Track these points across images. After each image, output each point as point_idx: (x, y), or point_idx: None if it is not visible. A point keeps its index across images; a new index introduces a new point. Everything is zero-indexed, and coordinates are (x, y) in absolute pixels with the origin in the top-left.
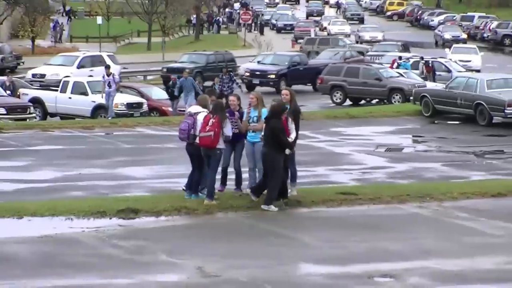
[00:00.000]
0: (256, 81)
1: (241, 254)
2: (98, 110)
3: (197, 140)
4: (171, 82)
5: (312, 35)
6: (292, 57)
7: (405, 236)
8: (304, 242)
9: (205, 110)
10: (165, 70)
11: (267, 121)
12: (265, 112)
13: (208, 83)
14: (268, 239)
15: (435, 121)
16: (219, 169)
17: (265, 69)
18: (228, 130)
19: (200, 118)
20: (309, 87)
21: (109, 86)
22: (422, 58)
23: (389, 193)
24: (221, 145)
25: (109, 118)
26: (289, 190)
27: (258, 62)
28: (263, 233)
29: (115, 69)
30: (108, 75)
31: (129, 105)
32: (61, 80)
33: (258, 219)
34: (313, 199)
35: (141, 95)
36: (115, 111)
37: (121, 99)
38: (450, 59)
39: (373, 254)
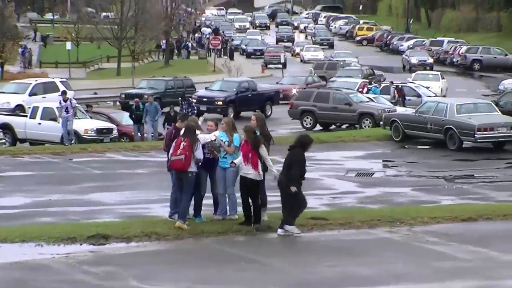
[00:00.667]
0: (203, 107)
1: (212, 280)
2: (69, 136)
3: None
4: (133, 106)
5: (282, 60)
6: (241, 83)
7: (376, 261)
8: (275, 267)
9: (199, 132)
10: (123, 96)
11: (290, 150)
12: (237, 138)
13: (165, 110)
14: (239, 264)
15: (405, 146)
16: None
17: (213, 96)
18: (199, 153)
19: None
20: (279, 110)
21: (67, 112)
22: (391, 82)
23: (360, 218)
24: (192, 168)
25: (67, 144)
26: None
27: (206, 88)
28: (234, 259)
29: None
30: (65, 100)
31: (99, 131)
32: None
33: (229, 244)
34: None
35: (111, 120)
36: (85, 136)
37: (91, 125)
38: (419, 85)
39: (345, 279)
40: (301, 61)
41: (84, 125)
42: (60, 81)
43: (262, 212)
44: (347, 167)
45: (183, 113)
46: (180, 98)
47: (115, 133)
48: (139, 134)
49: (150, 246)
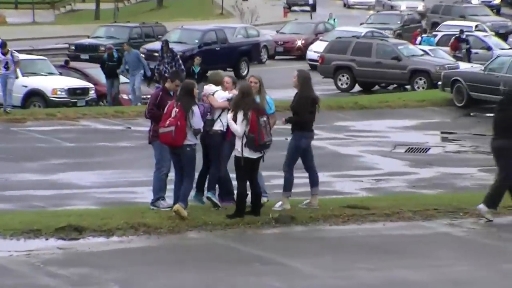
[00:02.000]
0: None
1: (217, 286)
2: (32, 98)
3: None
4: (106, 55)
5: (310, 1)
6: (205, 33)
7: (431, 263)
8: (298, 270)
9: (219, 88)
10: (73, 48)
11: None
12: (271, 101)
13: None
14: (253, 266)
15: (471, 113)
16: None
17: None
18: (197, 122)
19: (217, 96)
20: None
21: (6, 68)
22: (461, 31)
23: (411, 207)
24: (190, 140)
25: (7, 109)
26: (279, 203)
27: (159, 39)
28: (246, 259)
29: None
30: (5, 54)
31: (71, 91)
32: None
33: (239, 240)
34: (311, 214)
35: (87, 78)
36: (53, 98)
37: (61, 83)
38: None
39: (389, 287)
40: (345, 5)
41: (52, 83)
42: None
43: (283, 198)
44: (394, 141)
45: (174, 71)
46: (161, 47)
47: (92, 94)
48: (110, 94)
49: (137, 242)
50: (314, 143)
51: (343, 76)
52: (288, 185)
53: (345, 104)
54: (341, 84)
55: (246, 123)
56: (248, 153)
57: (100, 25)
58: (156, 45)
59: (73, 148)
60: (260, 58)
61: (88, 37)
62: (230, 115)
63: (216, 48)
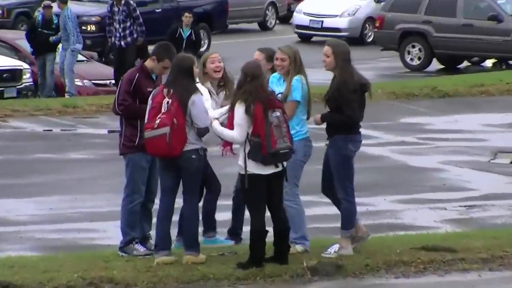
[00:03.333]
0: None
1: None
2: None
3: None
4: (40, 16)
5: None
6: None
7: None
8: None
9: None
10: None
11: None
12: (298, 85)
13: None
14: None
15: None
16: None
17: (81, 13)
18: (201, 119)
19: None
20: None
21: None
22: None
23: None
24: (194, 143)
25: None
26: (334, 246)
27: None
28: None
29: None
30: None
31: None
32: None
33: None
34: (368, 260)
35: (20, 54)
36: None
37: None
38: None
39: None
40: None
41: None
42: None
43: (341, 239)
44: (494, 146)
45: (162, 43)
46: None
47: (27, 79)
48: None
49: None
50: (370, 150)
51: (413, 47)
52: (348, 217)
53: (418, 90)
54: (411, 60)
55: (248, 120)
56: (255, 168)
57: None
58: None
59: (0, 163)
60: (225, 23)
61: None
62: (219, 112)
63: (157, 10)
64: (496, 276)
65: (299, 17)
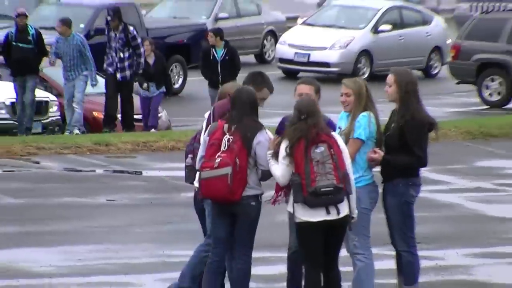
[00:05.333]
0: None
1: None
2: None
3: (195, 184)
4: (14, 28)
5: None
6: (98, 12)
7: None
8: None
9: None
10: None
11: None
12: (365, 122)
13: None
14: None
15: None
16: None
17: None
18: (264, 160)
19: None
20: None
21: None
22: None
23: None
24: (254, 188)
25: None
26: None
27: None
28: None
29: None
30: None
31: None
32: None
33: None
34: None
35: (46, 84)
36: None
37: (2, 95)
38: None
39: None
40: None
41: None
42: None
43: None
44: None
45: (255, 72)
46: (106, 23)
47: (54, 112)
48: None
49: None
50: (440, 197)
51: (493, 80)
52: (411, 272)
53: (497, 129)
54: (490, 94)
55: (289, 160)
56: (303, 214)
57: None
58: None
59: (21, 207)
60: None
61: None
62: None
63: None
64: None
65: (282, 49)
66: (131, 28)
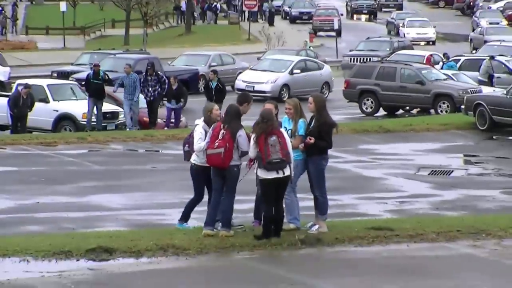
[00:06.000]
0: None
1: None
2: (62, 122)
3: (191, 161)
4: (91, 72)
5: (336, 26)
6: (137, 61)
7: (455, 284)
8: None
9: (201, 122)
10: (55, 75)
11: None
12: (302, 124)
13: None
14: (280, 287)
15: (493, 137)
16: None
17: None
18: (244, 144)
19: (197, 132)
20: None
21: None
22: (492, 57)
23: (435, 229)
24: (236, 160)
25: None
26: (315, 226)
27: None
28: (274, 280)
29: (2, 72)
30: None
31: (102, 115)
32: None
33: (267, 262)
34: (337, 235)
35: (117, 102)
36: (83, 122)
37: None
38: None
39: None
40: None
41: (82, 108)
42: None
43: (319, 220)
44: (418, 164)
45: (243, 93)
46: (146, 70)
47: (121, 118)
48: (95, 114)
49: (165, 263)
50: (339, 165)
51: (367, 100)
52: (324, 208)
53: (370, 127)
54: (366, 108)
55: (255, 145)
56: (261, 173)
57: (84, 52)
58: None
59: (103, 171)
60: (198, 87)
61: (72, 64)
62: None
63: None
64: (418, 247)
65: (238, 83)
66: (160, 73)
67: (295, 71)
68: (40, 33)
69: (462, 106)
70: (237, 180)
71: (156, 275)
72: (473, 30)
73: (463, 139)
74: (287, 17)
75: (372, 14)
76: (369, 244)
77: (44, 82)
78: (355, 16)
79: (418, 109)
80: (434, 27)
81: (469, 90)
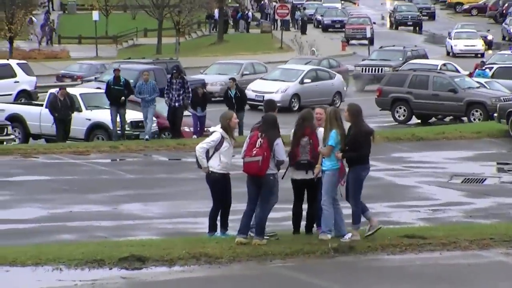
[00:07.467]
0: None
1: None
2: (95, 131)
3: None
4: (112, 77)
5: (368, 34)
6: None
7: None
8: None
9: (219, 130)
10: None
11: None
12: (334, 135)
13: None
14: None
15: None
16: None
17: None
18: (280, 154)
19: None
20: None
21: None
22: None
23: (468, 237)
24: (272, 169)
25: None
26: (348, 235)
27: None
28: None
29: (28, 81)
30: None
31: (134, 124)
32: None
33: (300, 270)
34: (370, 244)
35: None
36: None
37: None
38: None
39: None
40: (448, 54)
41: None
42: (17, 64)
43: (353, 230)
44: (451, 171)
45: (269, 100)
46: (171, 73)
47: (154, 127)
48: (118, 121)
49: (198, 271)
50: (371, 174)
51: (400, 108)
52: (357, 218)
53: (403, 135)
54: (399, 116)
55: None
56: (292, 174)
57: (114, 61)
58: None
59: (135, 180)
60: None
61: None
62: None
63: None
64: (451, 255)
65: (248, 93)
66: (185, 78)
67: (305, 80)
68: (73, 42)
69: (495, 114)
70: (272, 189)
71: (189, 284)
72: (503, 38)
73: (496, 147)
74: (320, 26)
75: (418, 26)
76: (401, 252)
77: (77, 91)
78: (399, 28)
79: (451, 117)
80: (488, 30)
81: (502, 98)
